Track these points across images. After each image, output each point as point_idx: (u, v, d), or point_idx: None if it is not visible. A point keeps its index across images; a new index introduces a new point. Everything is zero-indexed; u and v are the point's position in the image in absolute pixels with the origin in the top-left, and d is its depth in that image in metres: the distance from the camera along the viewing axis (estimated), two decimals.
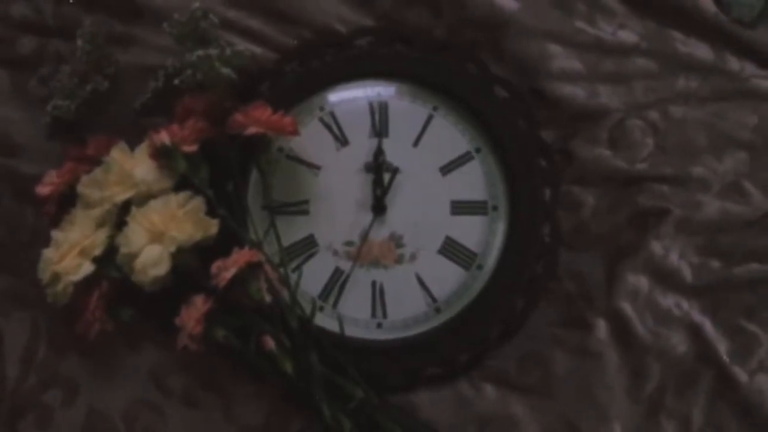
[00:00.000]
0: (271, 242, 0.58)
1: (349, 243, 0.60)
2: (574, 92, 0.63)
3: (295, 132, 0.58)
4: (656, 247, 0.61)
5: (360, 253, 0.60)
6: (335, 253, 0.60)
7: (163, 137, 0.56)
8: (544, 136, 0.63)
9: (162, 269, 0.55)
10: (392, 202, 0.60)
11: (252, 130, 0.56)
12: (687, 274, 0.62)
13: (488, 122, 0.60)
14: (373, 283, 0.60)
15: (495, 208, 0.60)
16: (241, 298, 0.55)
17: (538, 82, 0.63)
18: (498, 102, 0.61)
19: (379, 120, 0.61)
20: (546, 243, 0.60)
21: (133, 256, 0.55)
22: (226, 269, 0.54)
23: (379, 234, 0.60)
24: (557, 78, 0.63)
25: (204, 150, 0.57)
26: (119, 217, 0.56)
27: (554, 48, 0.63)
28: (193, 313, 0.55)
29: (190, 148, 0.56)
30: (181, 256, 0.56)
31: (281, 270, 0.57)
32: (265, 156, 0.58)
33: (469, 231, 0.60)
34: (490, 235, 0.60)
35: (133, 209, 0.56)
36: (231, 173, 0.58)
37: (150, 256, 0.55)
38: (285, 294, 0.56)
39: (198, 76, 0.57)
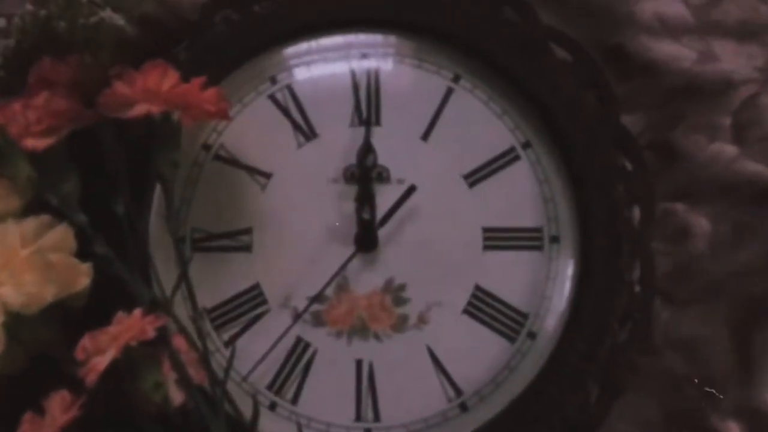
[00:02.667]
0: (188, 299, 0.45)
1: (318, 298, 0.48)
2: (677, 53, 0.53)
3: (222, 113, 0.44)
4: None
5: (335, 313, 0.48)
6: (295, 313, 0.48)
7: None
8: (629, 122, 0.52)
9: None
10: (389, 232, 0.49)
11: (141, 108, 0.41)
12: None
13: (542, 101, 0.50)
14: (358, 364, 0.48)
15: (555, 239, 0.50)
16: (131, 397, 0.42)
17: (619, 37, 0.53)
18: (556, 69, 0.50)
19: (367, 98, 0.50)
20: (635, 294, 0.50)
21: None
22: (98, 352, 0.41)
23: (368, 282, 0.49)
24: (649, 30, 0.53)
25: (74, 147, 0.44)
26: None
27: None
28: (47, 426, 0.42)
29: (39, 142, 0.42)
30: (24, 329, 0.42)
31: (199, 345, 0.43)
32: (170, 155, 0.44)
33: (514, 277, 0.49)
34: (547, 284, 0.49)
35: None
36: (119, 186, 0.44)
37: None
38: (207, 387, 0.43)
39: (59, 24, 0.44)
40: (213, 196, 0.49)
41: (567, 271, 0.49)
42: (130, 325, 0.40)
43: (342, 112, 0.50)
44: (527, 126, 0.50)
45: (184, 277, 0.43)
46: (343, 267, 0.47)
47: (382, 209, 0.48)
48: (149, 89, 0.41)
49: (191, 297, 0.43)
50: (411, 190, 0.47)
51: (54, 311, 0.41)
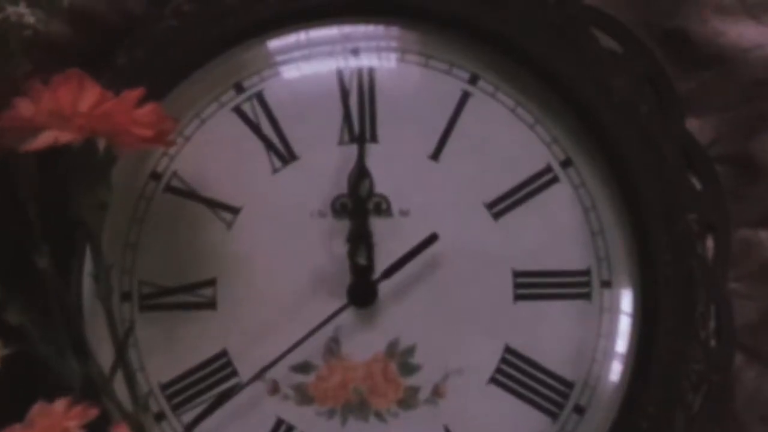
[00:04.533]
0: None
1: (302, 367, 0.43)
2: (759, 38, 0.48)
3: (161, 139, 0.37)
4: None
5: (324, 386, 0.43)
6: (275, 389, 0.43)
7: None
8: (697, 128, 0.47)
9: None
10: (392, 282, 0.43)
11: (47, 138, 0.34)
12: None
13: (585, 105, 0.44)
14: None
15: (606, 284, 0.45)
16: None
17: (681, 19, 0.48)
18: (602, 63, 0.45)
19: (360, 107, 0.45)
20: (711, 350, 0.44)
21: None
22: None
23: (367, 346, 0.44)
24: (721, 9, 0.48)
25: None
26: None
27: None
28: None
29: None
30: None
31: None
32: (94, 195, 0.37)
33: (555, 335, 0.44)
34: (597, 343, 0.44)
35: None
36: (39, 233, 0.39)
37: None
38: None
39: None
40: (165, 238, 0.43)
41: (623, 325, 0.44)
42: (47, 426, 0.34)
43: (328, 126, 0.44)
44: (567, 138, 0.44)
45: (120, 359, 0.35)
46: (327, 321, 0.41)
47: (381, 251, 0.42)
48: (59, 111, 0.33)
49: (129, 384, 0.36)
50: (432, 239, 0.41)
51: None
